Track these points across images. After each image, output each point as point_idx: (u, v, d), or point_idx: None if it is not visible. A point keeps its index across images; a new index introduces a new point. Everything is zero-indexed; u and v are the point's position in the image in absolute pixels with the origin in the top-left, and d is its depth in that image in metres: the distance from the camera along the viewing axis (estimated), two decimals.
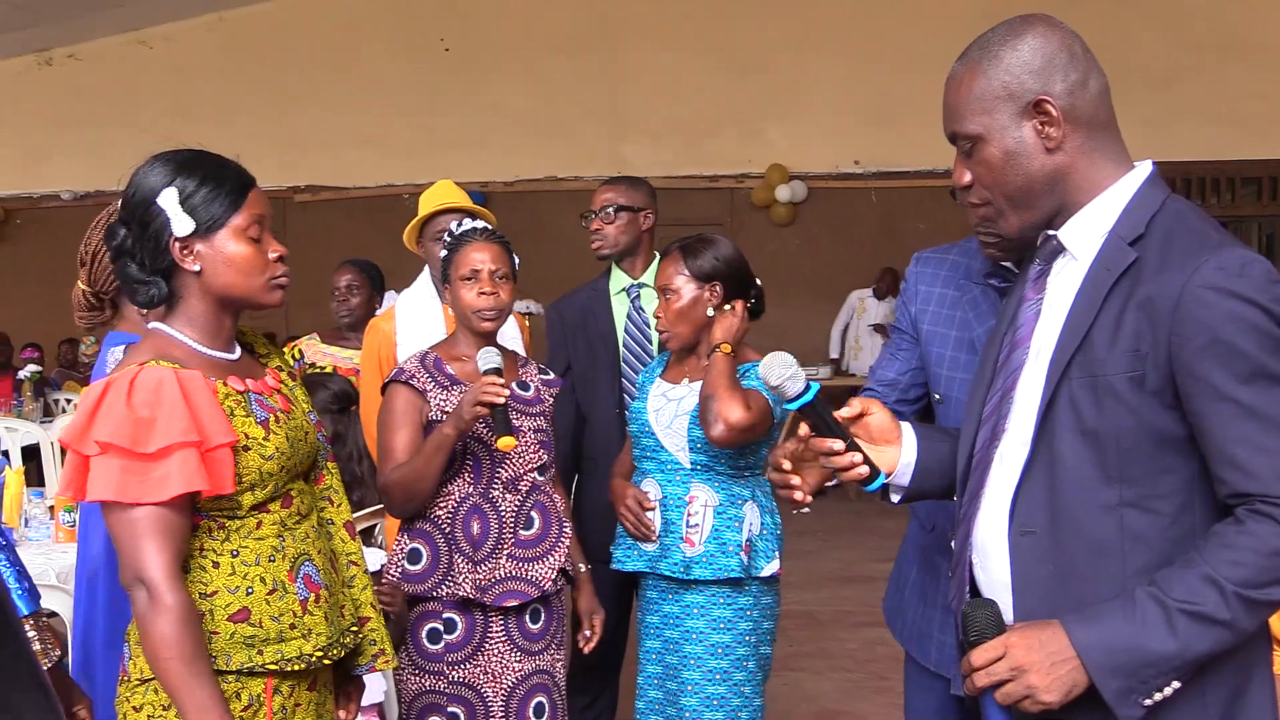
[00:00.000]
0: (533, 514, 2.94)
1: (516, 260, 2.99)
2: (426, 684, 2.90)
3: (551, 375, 3.13)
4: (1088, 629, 1.63)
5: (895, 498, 2.00)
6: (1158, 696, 1.62)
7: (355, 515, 3.72)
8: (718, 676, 2.99)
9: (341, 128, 11.57)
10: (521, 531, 2.91)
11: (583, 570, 3.10)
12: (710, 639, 3.00)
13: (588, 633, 3.10)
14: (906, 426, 1.97)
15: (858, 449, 1.90)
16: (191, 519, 1.98)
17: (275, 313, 9.46)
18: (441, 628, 2.89)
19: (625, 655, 3.79)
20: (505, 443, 2.71)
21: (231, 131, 11.32)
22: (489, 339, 2.96)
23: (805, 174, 11.23)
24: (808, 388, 1.91)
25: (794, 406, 1.91)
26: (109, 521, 1.94)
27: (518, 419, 2.91)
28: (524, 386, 3.01)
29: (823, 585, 6.73)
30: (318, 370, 4.46)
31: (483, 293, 2.91)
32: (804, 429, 1.91)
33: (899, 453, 1.95)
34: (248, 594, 2.01)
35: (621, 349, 3.69)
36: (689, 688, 2.99)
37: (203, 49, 11.81)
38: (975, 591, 1.84)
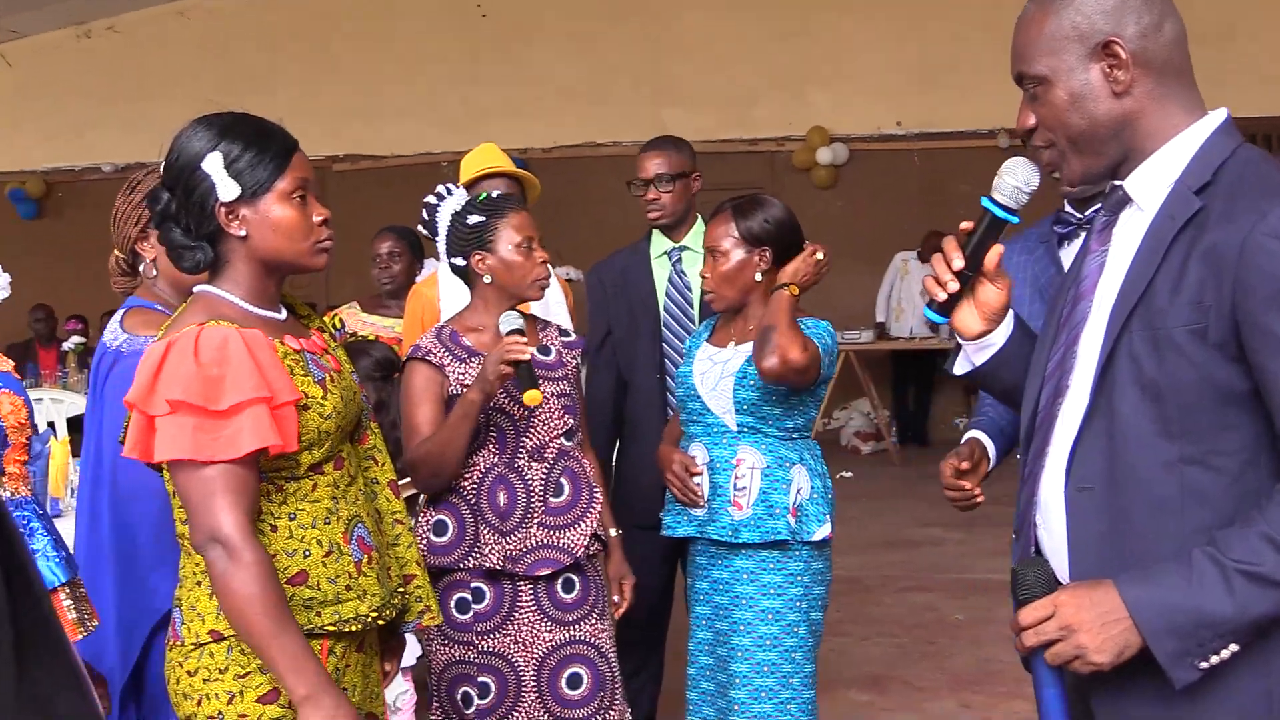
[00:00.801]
0: (562, 480, 2.90)
1: None
2: (456, 654, 2.88)
3: (573, 337, 3.10)
4: (1141, 588, 1.59)
5: (959, 369, 1.97)
6: (1214, 660, 1.57)
7: (401, 482, 3.72)
8: (768, 642, 2.96)
9: (379, 97, 11.56)
10: (552, 499, 2.88)
11: (613, 534, 3.07)
12: (760, 604, 2.97)
13: (616, 598, 3.07)
14: (1012, 315, 1.92)
15: (967, 286, 1.86)
16: (259, 477, 1.97)
17: (316, 281, 9.54)
18: (470, 597, 2.87)
19: (671, 623, 3.77)
20: (531, 397, 2.69)
21: (270, 101, 11.31)
22: (490, 309, 2.94)
23: (847, 136, 11.11)
24: (1013, 213, 1.86)
25: (993, 209, 1.86)
26: (179, 481, 1.93)
27: (541, 384, 2.86)
28: (545, 350, 2.98)
29: (867, 550, 6.68)
30: (359, 339, 4.44)
31: (538, 261, 2.91)
32: (963, 225, 1.88)
33: (989, 329, 1.90)
34: (305, 556, 2.01)
35: (662, 313, 3.65)
36: (739, 654, 2.96)
37: (241, 20, 11.81)
38: (1039, 553, 1.80)
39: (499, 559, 2.82)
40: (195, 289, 2.09)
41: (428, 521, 2.90)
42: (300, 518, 2.03)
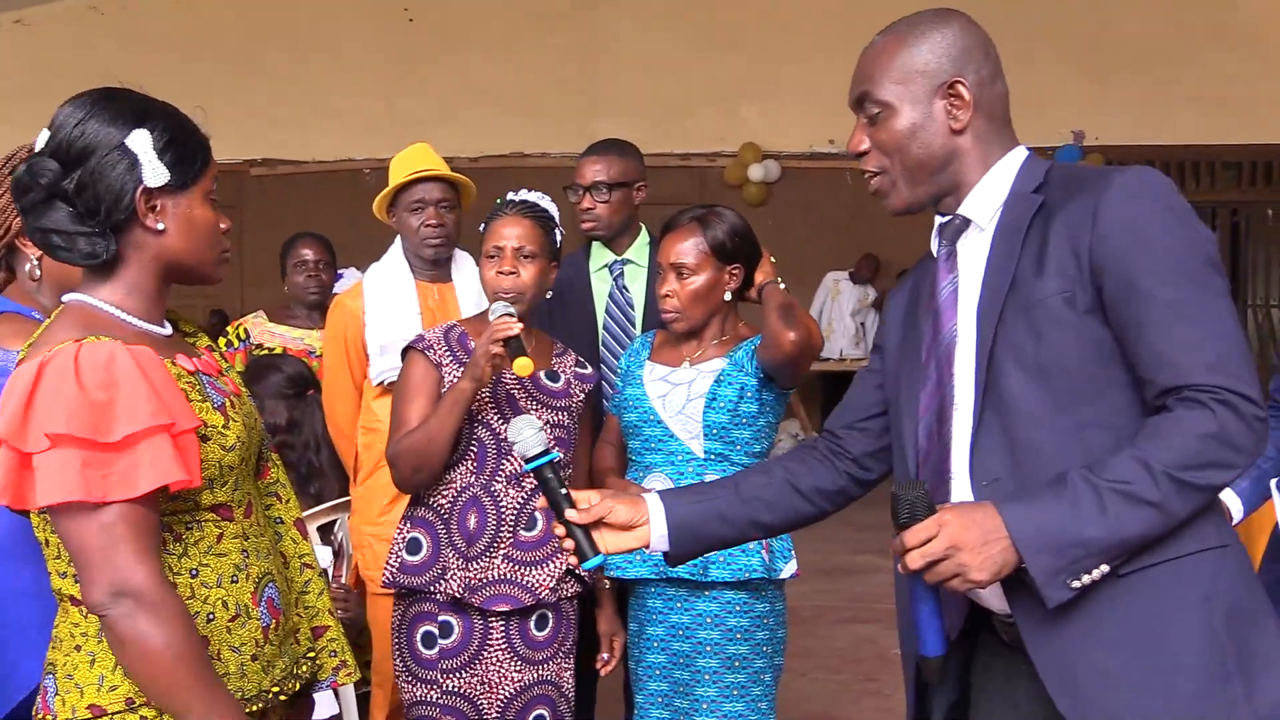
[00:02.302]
0: (536, 514, 2.70)
1: (559, 237, 2.76)
2: (419, 693, 2.68)
3: (588, 370, 2.87)
4: (1020, 508, 1.63)
5: (671, 566, 2.04)
6: (1085, 579, 1.62)
7: (315, 510, 3.43)
8: (735, 692, 2.75)
9: (300, 100, 11.22)
10: (523, 532, 2.68)
11: (605, 585, 2.86)
12: (726, 650, 2.76)
13: (605, 655, 2.87)
14: (652, 499, 1.97)
15: (572, 529, 1.90)
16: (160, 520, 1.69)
17: (230, 290, 9.15)
18: (437, 631, 2.67)
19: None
20: (521, 365, 2.53)
21: (186, 101, 10.87)
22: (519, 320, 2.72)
23: (779, 153, 10.99)
24: (545, 452, 1.91)
25: (530, 466, 1.92)
26: (67, 529, 1.63)
27: (536, 410, 2.69)
28: (553, 377, 2.77)
29: (802, 579, 6.43)
30: (266, 351, 4.14)
31: (500, 271, 2.69)
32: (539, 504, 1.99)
33: (646, 532, 1.95)
34: (208, 621, 1.73)
35: (601, 331, 3.38)
36: (704, 705, 2.75)
37: (157, 16, 11.40)
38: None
39: (459, 586, 2.63)
40: (65, 298, 1.78)
41: (403, 538, 2.71)
42: (204, 574, 1.74)
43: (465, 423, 2.69)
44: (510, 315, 2.60)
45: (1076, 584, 1.62)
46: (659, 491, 1.99)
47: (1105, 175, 1.73)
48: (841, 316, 10.55)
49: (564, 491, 1.89)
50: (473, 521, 2.67)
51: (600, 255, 3.45)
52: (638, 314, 3.36)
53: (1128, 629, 1.67)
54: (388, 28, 11.24)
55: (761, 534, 2.08)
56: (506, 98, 11.05)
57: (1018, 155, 1.86)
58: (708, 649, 2.76)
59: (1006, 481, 1.71)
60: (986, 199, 1.82)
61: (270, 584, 1.83)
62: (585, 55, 11.06)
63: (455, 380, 2.68)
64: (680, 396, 2.82)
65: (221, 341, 4.45)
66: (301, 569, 1.98)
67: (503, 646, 2.69)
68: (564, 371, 2.81)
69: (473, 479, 2.70)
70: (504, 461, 2.70)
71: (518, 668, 2.69)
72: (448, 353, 2.74)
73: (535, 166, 10.48)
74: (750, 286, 2.93)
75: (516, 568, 2.66)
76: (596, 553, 1.89)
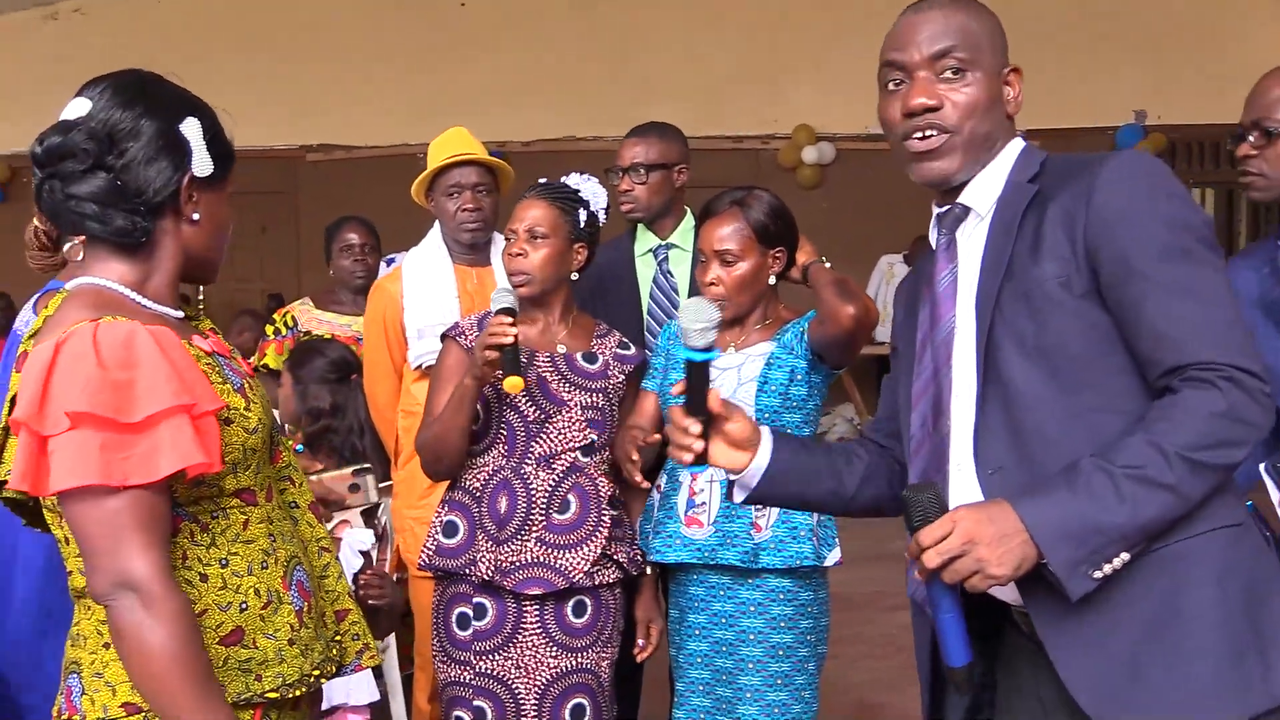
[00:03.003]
0: (570, 497, 2.68)
1: (581, 218, 2.73)
2: (453, 674, 2.69)
3: (632, 350, 2.85)
4: (1035, 501, 1.61)
5: (739, 497, 1.98)
6: (1106, 569, 1.60)
7: (341, 472, 3.43)
8: (779, 681, 2.72)
9: (355, 86, 11.27)
10: (555, 515, 2.66)
11: (647, 572, 2.83)
12: (770, 639, 2.72)
13: (641, 641, 2.85)
14: (766, 432, 1.95)
15: (707, 431, 1.86)
16: (172, 511, 1.64)
17: (287, 274, 9.19)
18: (471, 613, 2.67)
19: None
20: (511, 384, 2.51)
21: (244, 88, 11.01)
22: (530, 302, 2.74)
23: (833, 135, 10.86)
24: (709, 349, 1.84)
25: (694, 356, 1.85)
26: (76, 516, 1.58)
27: (568, 391, 2.68)
28: (590, 358, 2.76)
29: (852, 564, 6.35)
30: (312, 338, 4.15)
31: (509, 253, 2.70)
32: (676, 387, 1.88)
33: (749, 458, 1.91)
34: (241, 610, 1.70)
35: (646, 316, 3.35)
36: (748, 694, 2.71)
37: (214, 3, 11.48)
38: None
39: (489, 569, 2.62)
40: (70, 283, 1.74)
41: (440, 521, 2.72)
42: (234, 563, 1.71)
43: (495, 406, 2.69)
44: (508, 313, 2.57)
45: (1098, 574, 1.60)
46: (770, 429, 1.95)
47: (1098, 160, 1.72)
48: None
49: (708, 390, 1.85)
50: (504, 505, 2.66)
51: (645, 239, 3.42)
52: (682, 298, 3.33)
53: (1143, 613, 1.65)
54: (440, 12, 11.24)
55: (837, 509, 2.07)
56: (559, 81, 11.02)
57: (1016, 145, 1.85)
58: (751, 637, 2.73)
59: (1012, 469, 1.70)
60: (987, 188, 1.82)
61: (298, 567, 1.81)
62: (637, 37, 11.00)
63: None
64: (730, 381, 2.78)
65: (269, 329, 4.47)
66: (320, 553, 1.94)
67: (538, 631, 2.67)
68: (603, 353, 2.79)
69: (504, 462, 2.70)
70: (533, 444, 2.68)
71: (554, 654, 2.67)
72: (474, 342, 2.72)
73: (588, 150, 10.45)
74: (791, 268, 2.89)
75: (549, 551, 2.64)
76: (704, 461, 1.87)
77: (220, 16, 11.48)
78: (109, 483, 1.54)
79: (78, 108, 1.70)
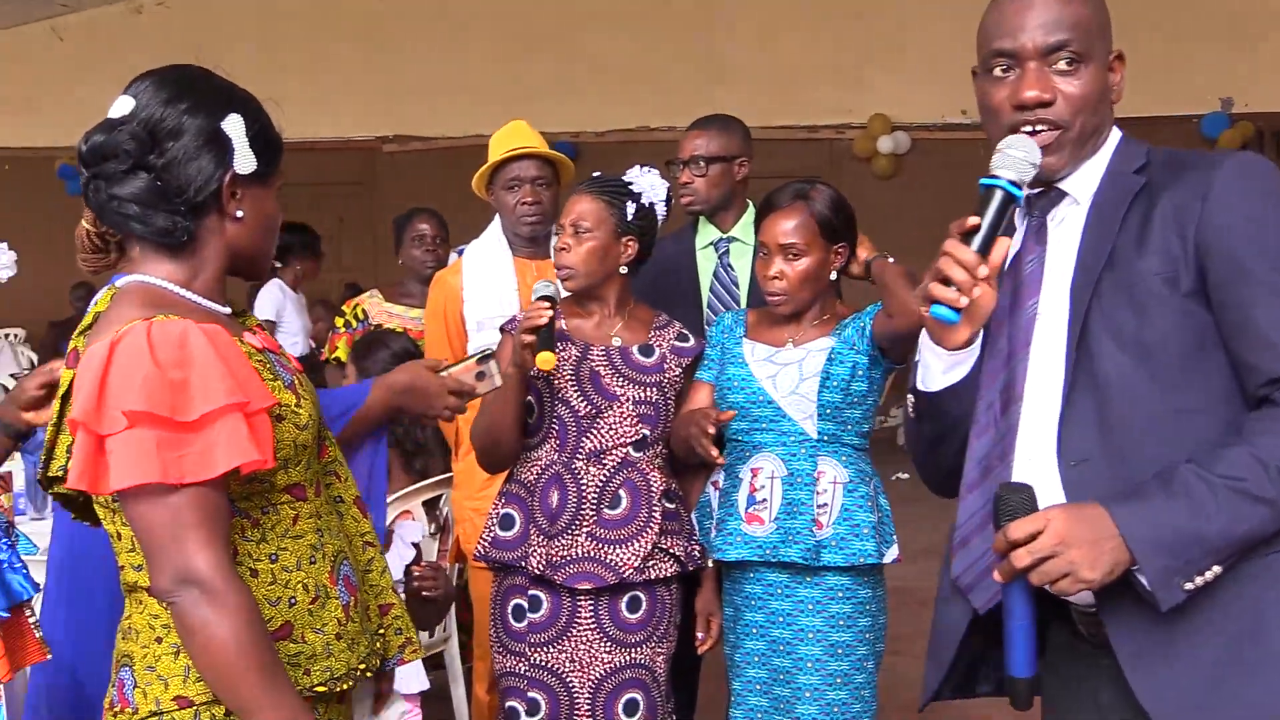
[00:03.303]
0: (621, 492, 2.68)
1: (629, 211, 2.72)
2: (509, 664, 2.71)
3: (691, 341, 2.83)
4: (1131, 507, 1.57)
5: (933, 383, 1.81)
6: (1199, 580, 1.56)
7: (418, 485, 3.47)
8: (838, 680, 2.70)
9: (430, 76, 11.35)
10: (606, 510, 2.66)
11: (709, 565, 2.81)
12: (830, 638, 2.70)
13: (700, 634, 2.84)
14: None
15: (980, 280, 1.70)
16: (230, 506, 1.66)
17: (364, 265, 9.30)
18: (526, 605, 2.68)
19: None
20: (543, 359, 2.52)
21: (320, 79, 11.16)
22: (582, 296, 2.76)
23: (909, 124, 10.75)
24: (1017, 186, 1.70)
25: (1008, 187, 1.69)
26: (136, 514, 1.59)
27: (621, 385, 2.67)
28: (647, 351, 2.75)
29: (920, 558, 6.31)
30: (381, 331, 4.19)
31: (556, 248, 2.73)
32: (969, 220, 1.70)
33: (972, 339, 1.76)
34: (290, 605, 1.70)
35: (705, 310, 3.33)
36: (807, 694, 2.70)
37: None
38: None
39: (539, 563, 2.63)
40: (119, 281, 1.74)
41: (497, 513, 2.75)
42: (283, 559, 1.72)
43: (548, 400, 2.70)
44: (548, 299, 2.59)
45: (1190, 585, 1.55)
46: None
47: (1213, 159, 1.69)
48: None
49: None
50: (555, 499, 2.67)
51: (706, 232, 3.40)
52: (742, 292, 3.30)
53: (1228, 624, 1.60)
54: (515, 3, 11.28)
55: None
56: (632, 71, 11.01)
57: (1115, 133, 1.81)
58: (810, 635, 2.71)
59: (1098, 461, 1.65)
60: (1088, 176, 1.77)
61: (345, 561, 1.82)
62: (710, 26, 10.95)
63: None
64: (792, 376, 2.75)
65: (339, 321, 4.53)
66: (364, 547, 1.93)
67: (591, 626, 2.67)
68: (660, 345, 2.78)
69: (555, 456, 2.71)
70: (584, 439, 2.68)
71: (608, 648, 2.67)
72: None
73: (661, 140, 10.43)
74: (850, 264, 2.86)
75: (600, 546, 2.64)
76: (960, 314, 1.66)
77: (299, 8, 11.62)
78: (167, 480, 1.55)
79: (122, 106, 1.70)
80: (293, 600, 1.71)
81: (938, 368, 1.78)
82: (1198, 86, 10.03)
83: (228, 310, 1.80)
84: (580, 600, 2.67)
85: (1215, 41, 9.97)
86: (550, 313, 2.56)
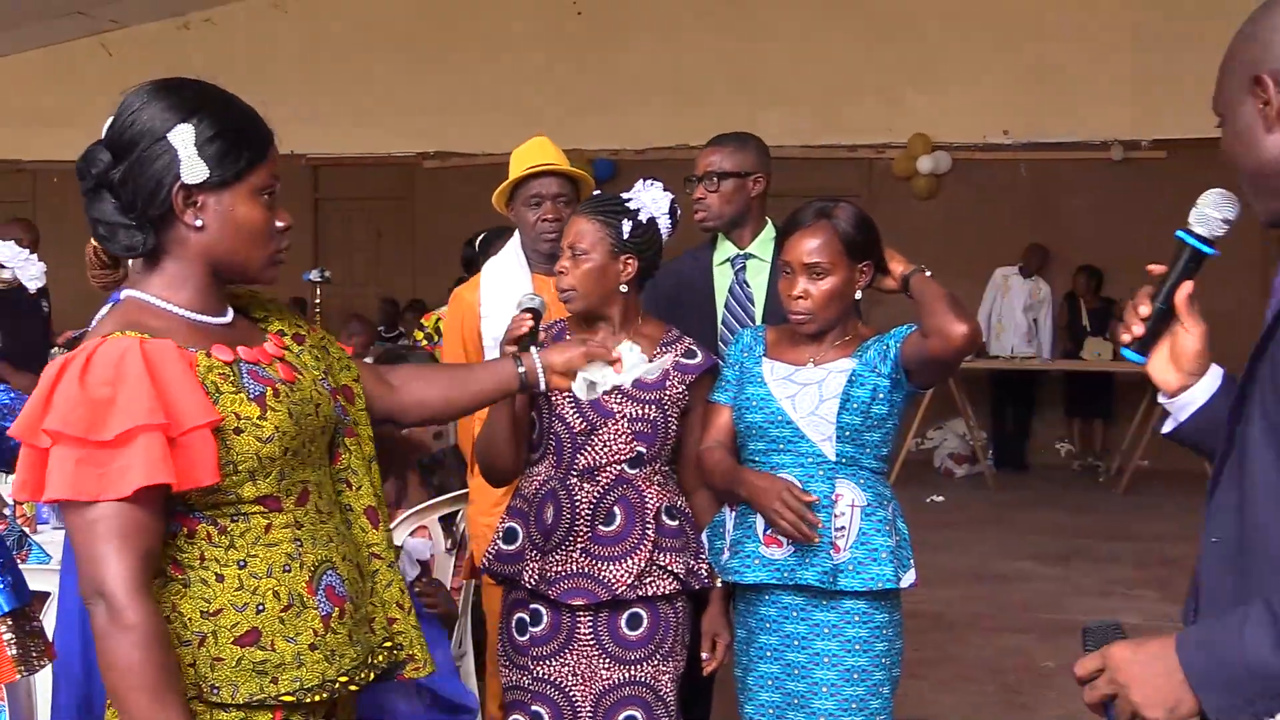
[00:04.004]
0: (615, 508, 2.66)
1: (625, 229, 2.70)
2: (513, 678, 2.72)
3: (698, 358, 2.79)
4: (1195, 638, 1.51)
5: (1166, 428, 1.82)
6: None
7: (434, 501, 3.46)
8: (854, 705, 2.64)
9: (471, 93, 11.42)
10: (600, 526, 2.66)
11: (717, 585, 2.78)
12: (845, 662, 2.65)
13: (705, 655, 2.79)
14: (1215, 369, 1.79)
15: (1159, 327, 1.76)
16: (163, 519, 1.67)
17: (403, 278, 9.35)
18: (528, 619, 2.69)
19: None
20: None
21: (362, 94, 11.26)
22: (585, 318, 2.76)
23: (949, 144, 10.68)
24: (1212, 245, 1.73)
25: (1197, 244, 1.74)
26: (67, 525, 1.66)
27: (619, 403, 2.65)
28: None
29: (954, 583, 6.28)
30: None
31: (556, 270, 2.74)
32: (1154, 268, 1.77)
33: (1192, 386, 1.76)
34: (258, 612, 1.72)
35: (720, 327, 3.31)
36: (821, 719, 2.65)
37: (334, 13, 11.76)
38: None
39: (533, 577, 2.65)
40: (122, 292, 1.79)
41: (502, 527, 2.77)
42: (253, 565, 1.73)
43: (546, 417, 2.70)
44: (532, 311, 2.60)
45: None
46: (1221, 369, 1.81)
47: None
48: (1012, 312, 10.22)
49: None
50: (549, 515, 2.67)
51: (723, 249, 3.38)
52: (757, 309, 3.28)
53: None
54: (556, 21, 11.34)
55: None
56: (672, 89, 11.03)
57: None
58: (825, 660, 2.66)
59: (1228, 546, 1.58)
60: None
61: (330, 571, 1.80)
62: (750, 46, 10.95)
63: None
64: (811, 397, 2.71)
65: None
66: (370, 559, 1.93)
67: (590, 641, 2.67)
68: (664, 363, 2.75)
69: (552, 473, 2.71)
70: (578, 456, 2.68)
71: (607, 665, 2.66)
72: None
73: None
74: (882, 277, 2.80)
75: (594, 562, 2.64)
76: (1145, 352, 1.77)
77: (342, 25, 11.74)
78: (79, 497, 1.60)
79: (105, 125, 1.76)
80: (260, 607, 1.72)
81: (1170, 411, 1.80)
82: None
83: (223, 319, 1.81)
84: (580, 615, 2.66)
85: None
86: (531, 322, 2.57)
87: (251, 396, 1.74)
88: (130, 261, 2.22)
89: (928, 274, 2.71)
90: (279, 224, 1.81)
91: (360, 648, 1.83)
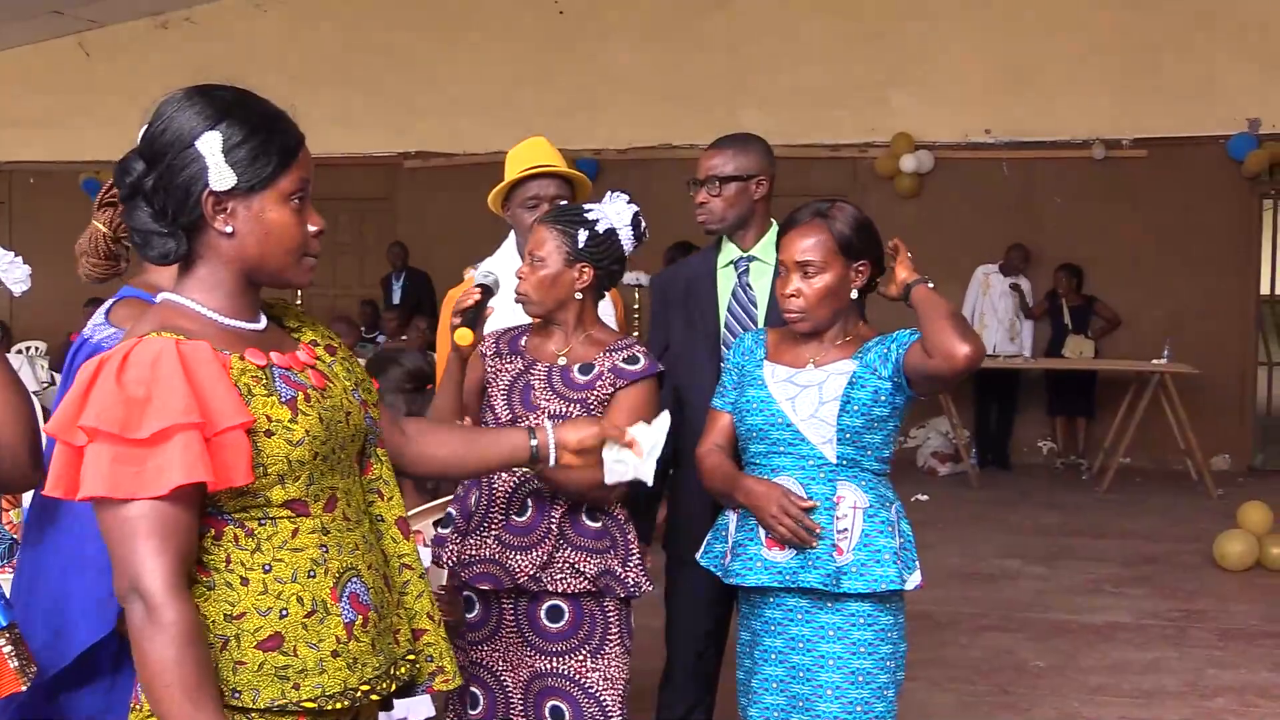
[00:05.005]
0: (527, 500, 2.73)
1: (580, 239, 2.76)
2: (460, 659, 2.72)
3: (640, 364, 2.77)
4: None
5: None
6: None
7: (429, 505, 3.43)
8: (858, 708, 2.64)
9: (453, 93, 11.40)
10: (514, 516, 2.74)
11: (640, 593, 2.76)
12: (850, 665, 2.64)
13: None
14: None
15: None
16: (198, 518, 1.68)
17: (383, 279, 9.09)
18: (463, 604, 2.81)
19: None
20: (460, 335, 2.68)
21: (342, 95, 11.20)
22: (541, 321, 2.86)
23: (932, 143, 10.71)
24: None
25: None
26: (101, 523, 1.65)
27: (547, 399, 2.73)
28: (586, 369, 2.77)
29: (940, 582, 6.28)
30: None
31: (516, 274, 2.81)
32: None
33: None
34: (281, 617, 1.71)
35: (723, 329, 3.29)
36: None
37: (316, 12, 11.73)
38: None
39: (450, 558, 2.75)
40: (159, 296, 1.81)
41: (444, 512, 2.87)
42: (277, 569, 1.72)
43: (483, 407, 2.83)
44: (483, 287, 2.75)
45: None
46: None
47: None
48: (994, 310, 10.25)
49: None
50: (473, 500, 2.78)
51: (727, 251, 3.36)
52: (760, 311, 3.26)
53: None
54: (538, 20, 11.32)
55: None
56: (655, 88, 11.03)
57: None
58: (830, 663, 2.65)
59: None
60: None
61: (355, 579, 1.80)
62: (733, 45, 10.97)
63: (493, 367, 2.84)
64: (811, 399, 2.70)
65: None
66: (400, 569, 1.94)
67: (513, 628, 2.76)
68: (603, 365, 2.77)
69: None
70: None
71: (530, 653, 2.75)
72: (493, 346, 2.88)
73: (683, 158, 10.44)
74: (875, 282, 2.80)
75: (503, 550, 2.71)
76: None
77: (323, 25, 11.69)
78: (116, 495, 1.61)
79: (140, 134, 1.76)
80: (284, 612, 1.71)
81: None
82: (1225, 108, 9.95)
83: (257, 325, 1.82)
84: (503, 602, 2.75)
85: (1243, 63, 9.90)
86: (479, 296, 2.71)
87: (283, 400, 1.74)
88: (137, 259, 2.21)
89: (930, 285, 2.70)
90: (311, 227, 1.81)
91: (383, 657, 1.82)
